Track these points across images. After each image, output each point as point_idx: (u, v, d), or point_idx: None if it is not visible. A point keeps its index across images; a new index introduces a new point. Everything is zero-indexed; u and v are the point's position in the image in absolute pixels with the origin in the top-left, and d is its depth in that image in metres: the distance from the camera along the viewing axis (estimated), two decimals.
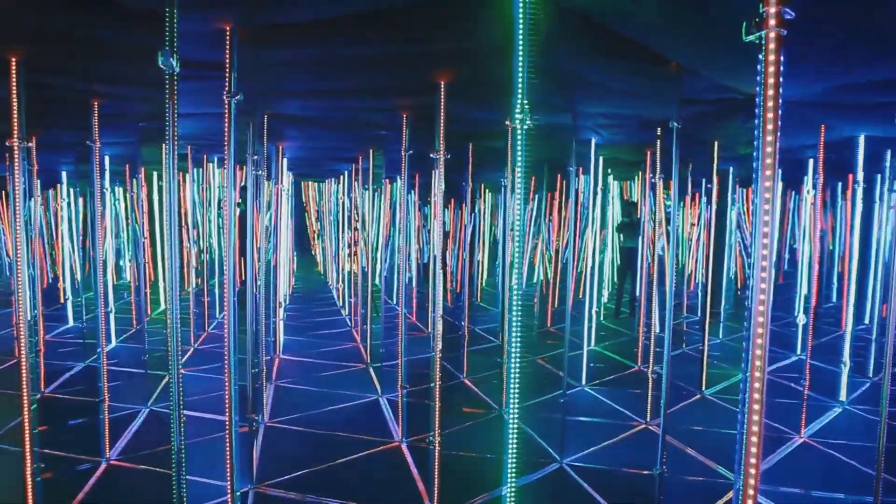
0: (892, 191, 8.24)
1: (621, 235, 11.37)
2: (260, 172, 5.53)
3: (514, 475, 2.81)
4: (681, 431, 5.67)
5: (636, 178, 12.86)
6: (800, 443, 5.55)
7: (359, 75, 4.62)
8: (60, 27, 3.40)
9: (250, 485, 4.51)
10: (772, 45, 1.62)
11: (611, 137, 6.98)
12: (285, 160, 9.37)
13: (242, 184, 6.66)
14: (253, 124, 5.14)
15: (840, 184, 11.83)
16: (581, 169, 9.31)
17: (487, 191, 15.42)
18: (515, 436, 2.79)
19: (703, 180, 11.36)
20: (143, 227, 8.02)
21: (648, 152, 7.87)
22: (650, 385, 6.17)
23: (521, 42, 2.75)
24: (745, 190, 13.18)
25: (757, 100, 1.68)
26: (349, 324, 10.62)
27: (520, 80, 2.76)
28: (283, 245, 9.83)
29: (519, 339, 2.78)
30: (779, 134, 1.64)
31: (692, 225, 15.37)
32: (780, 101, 1.62)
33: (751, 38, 1.65)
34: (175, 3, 2.59)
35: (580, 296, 9.39)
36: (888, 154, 7.20)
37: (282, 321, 9.04)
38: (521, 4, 2.74)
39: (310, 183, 18.60)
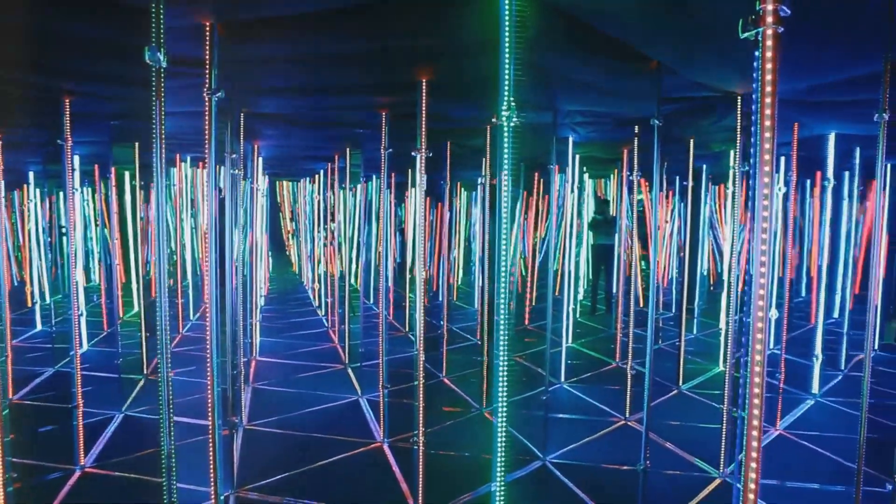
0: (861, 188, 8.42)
1: (593, 233, 11.47)
2: (237, 171, 5.43)
3: (502, 473, 2.80)
4: (659, 426, 5.73)
5: (611, 176, 13.00)
6: (776, 435, 5.65)
7: (338, 72, 4.57)
8: (31, 22, 3.30)
9: (231, 489, 4.44)
10: (769, 42, 1.64)
11: (588, 135, 7.02)
12: (260, 159, 9.25)
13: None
14: (230, 122, 5.06)
15: (808, 181, 12.09)
16: (557, 167, 9.37)
17: (463, 189, 15.42)
18: (504, 433, 2.78)
19: (677, 178, 11.53)
20: (113, 229, 7.83)
21: (625, 150, 7.94)
22: (629, 381, 6.22)
23: (507, 38, 2.74)
24: (717, 188, 13.39)
25: (754, 96, 1.69)
26: (326, 324, 10.53)
27: (506, 76, 2.75)
28: (259, 246, 9.70)
29: (507, 337, 2.77)
30: (776, 130, 1.65)
31: (665, 222, 15.56)
32: (777, 97, 1.64)
33: (747, 34, 1.66)
34: None
35: (556, 294, 9.44)
36: (857, 151, 7.37)
37: (258, 322, 8.93)
38: (506, 1, 2.73)
39: (284, 182, 18.41)
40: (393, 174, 9.78)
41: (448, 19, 3.42)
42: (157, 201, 2.68)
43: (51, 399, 6.37)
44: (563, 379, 7.26)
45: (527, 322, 10.52)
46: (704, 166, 10.11)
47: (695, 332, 10.10)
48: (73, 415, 4.86)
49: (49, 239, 11.92)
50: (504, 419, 2.78)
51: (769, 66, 1.63)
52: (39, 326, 9.85)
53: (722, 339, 8.13)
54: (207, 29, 3.05)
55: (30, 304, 10.57)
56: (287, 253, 19.67)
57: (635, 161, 6.20)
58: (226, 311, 4.91)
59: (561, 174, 8.40)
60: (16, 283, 12.54)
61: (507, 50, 2.74)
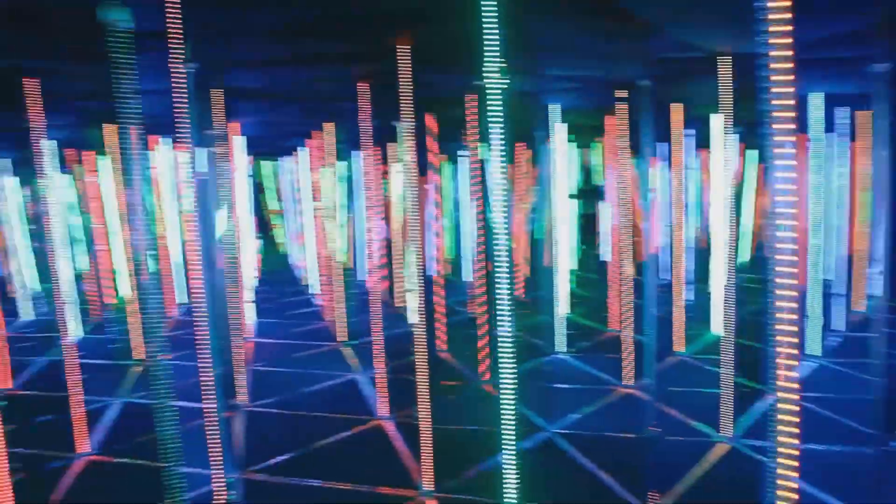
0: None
1: (580, 203, 11.44)
2: (215, 149, 5.29)
3: (511, 442, 2.78)
4: (659, 393, 5.75)
5: (596, 145, 12.93)
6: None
7: (315, 42, 4.42)
8: None
9: (238, 471, 4.40)
10: None
11: (572, 102, 6.92)
12: (241, 139, 9.07)
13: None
14: (203, 99, 4.92)
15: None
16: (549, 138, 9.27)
17: (448, 162, 15.26)
18: (511, 405, 2.76)
19: (667, 144, 11.46)
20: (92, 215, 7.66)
21: (608, 118, 7.86)
22: (628, 349, 6.21)
23: None
24: (701, 154, 13.37)
25: (769, 50, 1.62)
26: (318, 303, 10.46)
27: (492, 38, 2.66)
28: (246, 226, 9.57)
29: (510, 309, 2.73)
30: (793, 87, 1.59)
31: (651, 189, 15.54)
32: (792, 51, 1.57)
33: None
34: None
35: (545, 264, 9.41)
36: (846, 112, 7.35)
37: (252, 303, 8.85)
38: None
39: (265, 162, 18.15)
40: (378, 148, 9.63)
41: None
42: (131, 182, 2.57)
43: (45, 388, 6.27)
44: (561, 348, 7.26)
45: (522, 294, 10.51)
46: (693, 132, 10.06)
47: (685, 298, 10.12)
48: (69, 403, 4.79)
49: (33, 227, 11.68)
50: (512, 391, 2.75)
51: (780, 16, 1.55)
52: (28, 316, 9.70)
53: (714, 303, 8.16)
54: None
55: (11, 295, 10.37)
56: (272, 233, 19.47)
57: (624, 127, 6.13)
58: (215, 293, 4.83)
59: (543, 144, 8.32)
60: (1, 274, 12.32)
61: (492, 10, 2.64)
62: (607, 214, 11.11)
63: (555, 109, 7.24)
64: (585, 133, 10.97)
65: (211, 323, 3.08)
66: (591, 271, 12.04)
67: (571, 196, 11.36)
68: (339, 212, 10.54)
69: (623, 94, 5.89)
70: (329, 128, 8.19)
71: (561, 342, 7.31)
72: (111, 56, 2.56)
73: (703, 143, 11.64)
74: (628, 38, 3.98)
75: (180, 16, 2.99)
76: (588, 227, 11.54)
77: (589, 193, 11.22)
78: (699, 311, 9.13)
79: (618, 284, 7.83)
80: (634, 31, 3.82)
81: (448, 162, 15.37)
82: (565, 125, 8.67)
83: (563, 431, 5.04)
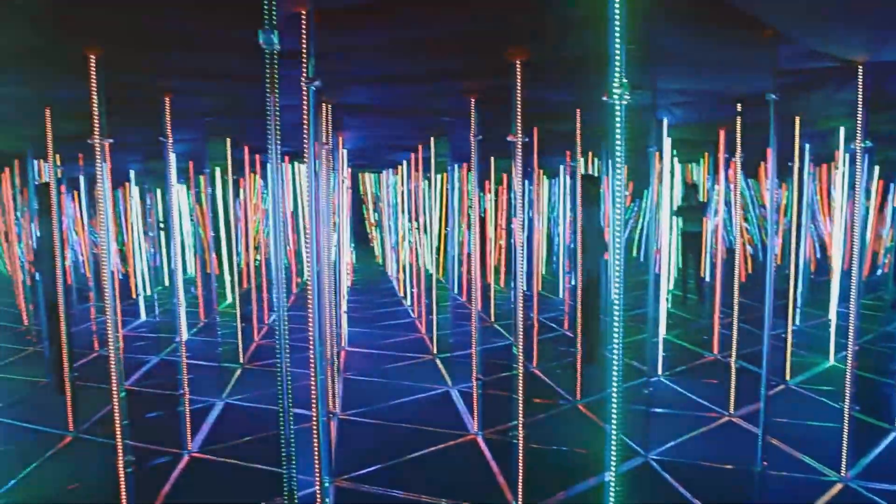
0: None
1: (681, 219, 10.96)
2: (326, 164, 5.48)
3: (615, 464, 2.65)
4: (767, 424, 5.38)
5: (701, 160, 12.42)
6: None
7: (426, 58, 4.49)
8: (134, 22, 3.39)
9: (329, 478, 4.48)
10: None
11: (683, 116, 6.67)
12: (345, 151, 9.36)
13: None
14: (320, 115, 5.09)
15: None
16: (658, 155, 8.98)
17: (545, 176, 15.12)
18: (616, 425, 2.63)
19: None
20: (206, 224, 8.11)
21: (721, 131, 7.51)
22: (732, 375, 5.87)
23: (617, 10, 2.56)
24: (818, 168, 12.55)
25: None
26: (412, 314, 10.58)
27: (617, 51, 2.58)
28: (344, 237, 9.85)
29: (621, 325, 2.62)
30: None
31: (762, 206, 14.75)
32: None
33: None
34: None
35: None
36: None
37: (345, 313, 9.06)
38: None
39: (366, 175, 18.67)
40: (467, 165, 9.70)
41: None
42: (273, 194, 2.67)
43: (158, 386, 6.65)
44: (659, 371, 6.97)
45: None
46: (807, 146, 9.45)
47: (798, 322, 9.49)
48: (179, 402, 5.04)
49: (151, 234, 12.55)
50: (618, 414, 2.63)
51: None
52: (144, 317, 10.38)
53: (832, 330, 7.60)
54: (304, 17, 3.02)
55: (134, 296, 11.15)
56: (371, 244, 19.96)
57: (738, 142, 5.82)
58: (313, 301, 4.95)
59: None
60: (121, 276, 13.29)
61: (617, 23, 2.57)
62: (711, 232, 10.61)
63: (664, 123, 7.00)
64: (690, 148, 10.55)
65: (318, 328, 3.14)
66: (692, 291, 11.53)
67: (676, 213, 10.93)
68: (436, 225, 10.65)
69: (740, 106, 5.60)
70: (433, 142, 8.30)
71: (660, 365, 7.01)
72: (264, 76, 2.71)
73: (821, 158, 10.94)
74: (754, 48, 3.77)
75: (307, 36, 3.10)
76: (688, 246, 11.04)
77: (688, 210, 10.73)
78: (810, 338, 8.52)
79: (719, 306, 7.43)
80: (760, 39, 3.62)
81: (546, 177, 15.25)
82: (669, 139, 8.40)
83: (660, 458, 4.80)
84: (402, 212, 12.02)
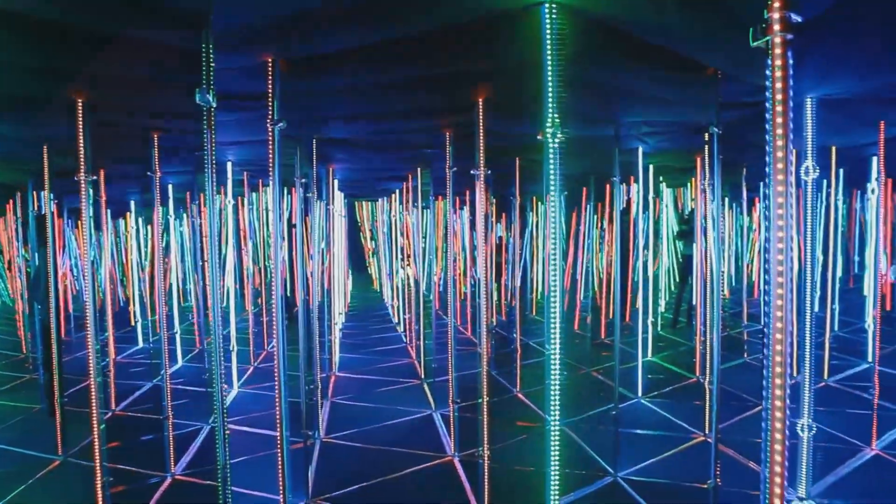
0: None
1: (681, 243, 11.14)
2: (309, 195, 5.71)
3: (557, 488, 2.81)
4: (740, 443, 5.51)
5: (689, 184, 12.63)
6: (871, 455, 5.31)
7: (400, 97, 4.74)
8: (117, 70, 3.64)
9: (305, 499, 4.63)
10: (777, 51, 1.61)
11: (658, 145, 6.89)
12: (336, 181, 9.62)
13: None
14: (301, 148, 5.33)
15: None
16: (632, 178, 9.21)
17: (539, 203, 15.36)
18: (557, 447, 2.80)
19: (761, 184, 11.05)
20: (202, 252, 8.34)
21: (698, 158, 7.72)
22: (708, 396, 6.00)
23: (549, 56, 2.80)
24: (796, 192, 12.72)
25: (766, 105, 1.67)
26: (404, 340, 10.74)
27: (549, 93, 2.80)
28: (338, 264, 10.06)
29: (559, 346, 2.80)
30: (791, 137, 1.63)
31: (754, 230, 14.91)
32: (790, 104, 1.61)
33: (757, 43, 1.65)
34: (210, 42, 2.75)
35: (636, 306, 9.23)
36: None
37: (338, 339, 9.23)
38: (547, 21, 2.79)
39: (363, 203, 18.96)
40: (468, 192, 9.93)
41: (499, 42, 3.51)
42: (209, 227, 2.89)
43: (148, 411, 6.82)
44: (640, 393, 7.09)
45: (603, 336, 10.34)
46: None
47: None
48: (164, 426, 5.22)
49: (148, 263, 12.81)
50: (557, 429, 2.80)
51: (779, 73, 1.60)
52: (141, 344, 10.58)
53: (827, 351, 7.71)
54: (270, 65, 3.27)
55: (133, 324, 11.36)
56: (368, 271, 20.18)
57: (707, 169, 6.04)
58: (299, 329, 5.15)
59: (636, 184, 8.26)
60: (121, 304, 13.53)
61: (549, 67, 2.80)
62: (699, 257, 10.76)
63: (638, 152, 7.22)
64: (677, 174, 10.77)
65: (282, 356, 3.33)
66: (683, 314, 11.65)
67: (676, 237, 11.10)
68: (424, 251, 10.85)
69: (707, 136, 5.81)
70: (420, 172, 8.55)
71: (640, 386, 7.14)
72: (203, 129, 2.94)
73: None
74: (698, 86, 4.00)
75: (272, 82, 3.35)
76: (685, 270, 11.20)
77: (687, 235, 10.91)
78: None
79: (703, 329, 7.58)
80: (704, 78, 3.85)
81: (541, 204, 15.48)
82: (652, 166, 8.62)
83: (630, 477, 4.93)
84: (395, 240, 12.27)
